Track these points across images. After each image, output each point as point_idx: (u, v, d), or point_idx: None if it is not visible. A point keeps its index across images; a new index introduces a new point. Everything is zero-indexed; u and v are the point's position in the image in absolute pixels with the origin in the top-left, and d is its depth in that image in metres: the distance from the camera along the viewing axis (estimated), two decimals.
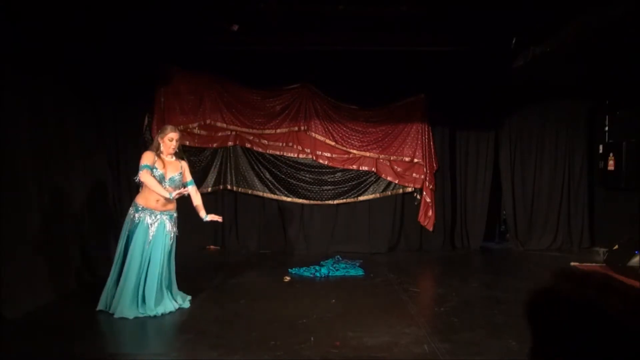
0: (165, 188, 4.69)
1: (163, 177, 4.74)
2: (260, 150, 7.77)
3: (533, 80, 7.52)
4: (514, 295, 5.35)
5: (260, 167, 7.81)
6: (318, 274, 6.33)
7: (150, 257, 4.66)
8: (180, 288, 5.02)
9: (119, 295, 4.58)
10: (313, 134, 7.77)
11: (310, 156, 7.82)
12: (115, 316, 4.52)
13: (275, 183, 7.83)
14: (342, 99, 7.78)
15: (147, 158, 4.67)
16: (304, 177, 7.85)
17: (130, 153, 7.26)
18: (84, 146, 6.01)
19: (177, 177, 4.81)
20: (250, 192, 7.80)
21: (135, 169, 7.28)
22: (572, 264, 6.85)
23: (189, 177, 4.94)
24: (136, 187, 7.37)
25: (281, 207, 7.91)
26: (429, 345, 3.95)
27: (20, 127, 4.82)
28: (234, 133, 7.72)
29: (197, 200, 4.98)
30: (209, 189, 7.67)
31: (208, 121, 7.58)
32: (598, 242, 7.89)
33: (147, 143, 7.57)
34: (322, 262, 6.81)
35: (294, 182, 7.83)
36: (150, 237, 4.66)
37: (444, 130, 8.03)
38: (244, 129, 7.71)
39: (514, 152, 8.10)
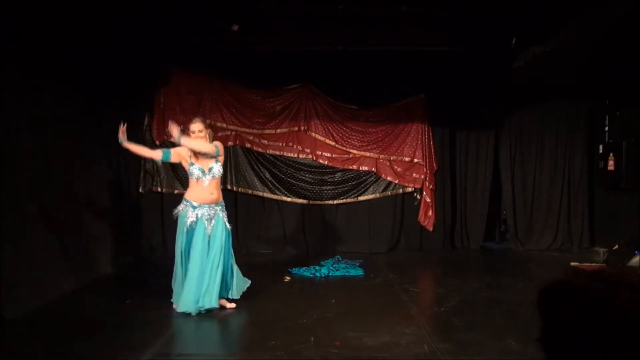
0: (208, 180, 4.75)
1: (203, 171, 4.75)
2: (260, 150, 7.77)
3: (533, 80, 7.52)
4: (514, 295, 5.36)
5: (260, 167, 7.81)
6: (318, 274, 6.33)
7: (213, 251, 4.71)
8: None
9: (184, 291, 4.64)
10: (313, 134, 7.77)
11: (310, 156, 7.82)
12: (179, 311, 4.62)
13: (275, 183, 7.83)
14: (342, 99, 7.78)
15: (175, 148, 4.80)
16: (304, 177, 7.85)
17: (130, 153, 7.26)
18: (83, 146, 6.01)
19: (214, 165, 4.81)
20: (250, 192, 7.79)
21: (135, 169, 7.38)
22: (572, 264, 6.86)
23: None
24: (136, 188, 7.45)
25: (281, 207, 7.90)
26: (429, 345, 3.95)
27: (20, 127, 4.82)
28: (234, 133, 7.72)
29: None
30: None
31: (208, 121, 7.49)
32: (598, 242, 7.88)
33: (147, 143, 7.59)
34: (322, 262, 6.80)
35: (294, 182, 7.83)
36: (209, 231, 4.71)
37: (444, 130, 8.03)
38: (244, 129, 7.71)
39: (514, 152, 8.10)
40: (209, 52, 7.22)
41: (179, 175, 7.63)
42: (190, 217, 4.72)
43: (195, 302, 4.62)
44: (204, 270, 4.66)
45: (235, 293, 4.93)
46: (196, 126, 4.80)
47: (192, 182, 4.81)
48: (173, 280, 4.86)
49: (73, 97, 5.77)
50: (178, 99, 7.57)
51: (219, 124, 7.62)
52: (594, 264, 6.85)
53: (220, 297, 4.81)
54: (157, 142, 7.58)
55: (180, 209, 4.79)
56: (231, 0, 5.72)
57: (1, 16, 4.50)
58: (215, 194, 4.82)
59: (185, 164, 4.82)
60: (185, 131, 4.88)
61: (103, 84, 6.31)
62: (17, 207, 4.72)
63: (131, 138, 7.17)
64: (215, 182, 4.84)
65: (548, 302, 0.98)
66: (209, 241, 4.71)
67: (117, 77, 6.53)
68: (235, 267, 4.97)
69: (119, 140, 4.68)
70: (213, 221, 4.75)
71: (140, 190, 7.49)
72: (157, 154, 4.79)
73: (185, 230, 4.73)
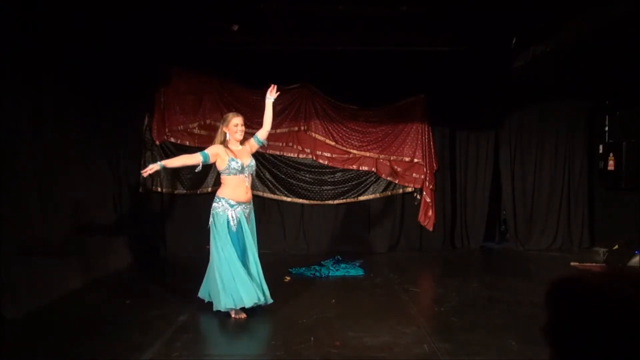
0: (247, 176, 4.70)
1: (243, 167, 4.66)
2: (260, 150, 7.76)
3: (533, 80, 7.53)
4: (514, 295, 5.36)
5: (260, 167, 7.79)
6: (318, 274, 6.33)
7: (255, 248, 4.77)
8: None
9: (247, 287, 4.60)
10: (313, 134, 7.77)
11: (310, 156, 7.82)
12: (247, 306, 4.55)
13: (275, 183, 7.83)
14: (342, 99, 7.78)
15: (210, 148, 4.68)
16: (304, 177, 7.85)
17: (130, 153, 7.27)
18: (84, 146, 6.01)
19: (252, 163, 4.76)
20: None
21: (135, 169, 7.37)
22: (572, 263, 6.86)
23: (253, 139, 4.92)
24: (136, 188, 7.45)
25: (281, 207, 7.91)
26: (429, 345, 3.95)
27: (20, 127, 4.82)
28: None
29: (266, 122, 4.98)
30: (209, 189, 7.64)
31: (208, 121, 7.58)
32: (598, 242, 7.89)
33: (147, 143, 7.61)
34: (322, 262, 6.80)
35: (294, 182, 7.84)
36: (249, 228, 4.70)
37: (444, 130, 8.03)
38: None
39: (514, 152, 8.10)
40: (209, 52, 7.22)
41: (179, 175, 7.64)
42: (231, 217, 4.59)
43: (263, 294, 4.64)
44: (257, 267, 4.70)
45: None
46: (239, 120, 4.76)
47: (230, 179, 4.62)
48: (216, 280, 4.60)
49: (73, 97, 5.77)
50: (178, 99, 7.58)
51: (218, 124, 7.60)
52: (593, 264, 6.85)
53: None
54: (157, 142, 7.59)
55: (219, 209, 4.60)
56: (231, 0, 5.73)
57: (1, 16, 4.50)
58: (250, 192, 4.78)
59: (220, 163, 4.63)
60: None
61: (103, 84, 6.31)
62: (17, 207, 4.72)
63: (131, 138, 7.29)
64: (250, 179, 4.77)
65: (561, 297, 0.98)
66: (248, 238, 4.70)
67: (117, 77, 6.53)
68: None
69: (159, 166, 4.51)
70: (249, 220, 4.72)
71: (140, 190, 7.49)
72: (197, 158, 4.60)
73: (229, 230, 4.58)
